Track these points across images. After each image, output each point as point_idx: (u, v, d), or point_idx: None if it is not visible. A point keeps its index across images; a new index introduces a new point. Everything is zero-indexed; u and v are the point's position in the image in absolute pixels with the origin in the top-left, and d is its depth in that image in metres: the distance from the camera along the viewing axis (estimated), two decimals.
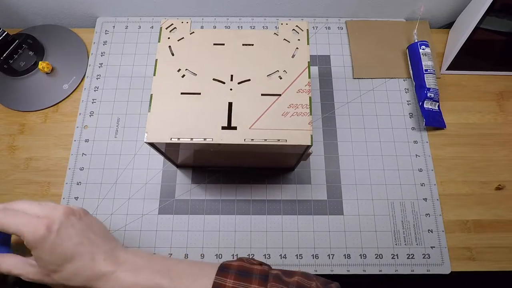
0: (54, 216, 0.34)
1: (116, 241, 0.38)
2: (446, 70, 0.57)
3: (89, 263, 0.33)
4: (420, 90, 0.54)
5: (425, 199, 0.50)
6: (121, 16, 0.62)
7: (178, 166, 0.51)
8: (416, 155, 0.53)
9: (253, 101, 0.37)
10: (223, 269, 0.34)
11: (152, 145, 0.37)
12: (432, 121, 0.53)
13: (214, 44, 0.39)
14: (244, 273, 0.34)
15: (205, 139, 0.35)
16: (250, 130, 0.35)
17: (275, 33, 0.40)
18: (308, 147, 0.37)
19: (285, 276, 0.34)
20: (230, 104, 0.37)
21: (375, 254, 0.47)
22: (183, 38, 0.40)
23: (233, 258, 0.47)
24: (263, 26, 0.61)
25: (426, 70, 0.54)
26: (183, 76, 0.38)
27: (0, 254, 0.36)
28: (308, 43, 0.40)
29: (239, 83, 0.38)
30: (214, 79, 0.38)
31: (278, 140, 0.35)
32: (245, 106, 0.36)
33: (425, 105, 0.54)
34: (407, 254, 0.47)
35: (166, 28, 0.40)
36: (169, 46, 0.39)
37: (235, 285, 0.33)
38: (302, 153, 0.41)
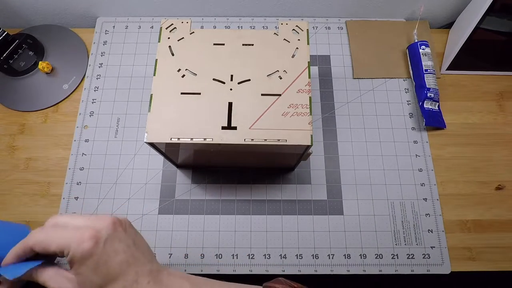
0: (100, 227, 0.29)
1: (155, 258, 0.34)
2: (446, 70, 0.57)
3: (132, 285, 0.29)
4: (420, 90, 0.54)
5: (425, 199, 0.50)
6: (121, 16, 0.62)
7: (178, 166, 0.51)
8: (416, 155, 0.53)
9: (253, 101, 0.37)
10: None
11: (152, 145, 0.37)
12: (432, 121, 0.53)
13: (214, 44, 0.39)
14: None
15: (205, 139, 0.35)
16: (250, 130, 0.35)
17: (275, 33, 0.40)
18: (308, 147, 0.37)
19: None
20: (230, 104, 0.37)
21: (375, 254, 0.47)
22: (183, 38, 0.40)
23: (233, 258, 0.47)
24: (263, 26, 0.61)
25: (426, 70, 0.54)
26: (183, 76, 0.38)
27: (40, 265, 0.30)
28: (308, 43, 0.40)
29: (239, 83, 0.38)
30: (214, 79, 0.38)
31: (278, 140, 0.35)
32: (245, 106, 0.36)
33: (425, 105, 0.54)
34: (407, 254, 0.47)
35: (166, 28, 0.40)
36: (169, 46, 0.39)
37: None
38: (302, 153, 0.41)
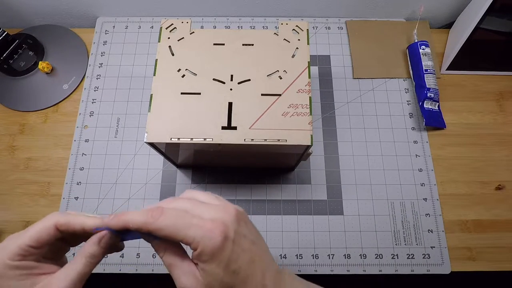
0: (228, 221, 0.25)
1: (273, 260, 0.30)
2: (446, 70, 0.57)
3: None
4: (420, 90, 0.54)
5: (425, 199, 0.50)
6: (121, 16, 0.62)
7: (178, 166, 0.51)
8: (416, 155, 0.53)
9: (253, 101, 0.37)
10: None
11: (152, 145, 0.37)
12: (432, 121, 0.53)
13: (214, 44, 0.39)
14: None
15: (205, 139, 0.35)
16: (250, 130, 0.35)
17: (275, 33, 0.40)
18: (308, 147, 0.37)
19: None
20: (230, 104, 0.37)
21: (375, 254, 0.47)
22: (183, 38, 0.40)
23: None
24: (263, 26, 0.61)
25: (426, 70, 0.54)
26: (183, 76, 0.38)
27: (176, 255, 0.26)
28: (308, 43, 0.40)
29: (239, 83, 0.38)
30: (214, 79, 0.38)
31: (278, 140, 0.35)
32: (245, 106, 0.36)
33: (425, 105, 0.54)
34: (407, 254, 0.47)
35: (166, 28, 0.40)
36: (169, 46, 0.39)
37: None
38: (302, 153, 0.41)
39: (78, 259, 0.26)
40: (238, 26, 0.61)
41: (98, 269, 0.47)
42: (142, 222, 0.24)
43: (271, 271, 0.27)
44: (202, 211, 0.25)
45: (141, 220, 0.24)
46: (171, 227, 0.24)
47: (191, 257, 0.26)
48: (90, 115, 0.55)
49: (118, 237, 0.26)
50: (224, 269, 0.24)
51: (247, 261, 0.25)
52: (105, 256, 0.35)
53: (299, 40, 0.40)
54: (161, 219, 0.24)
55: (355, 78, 0.57)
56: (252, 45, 0.39)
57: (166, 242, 0.26)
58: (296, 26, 0.41)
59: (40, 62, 0.55)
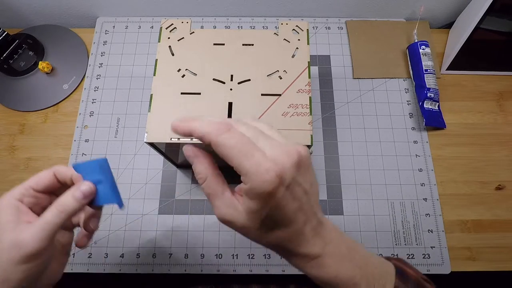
0: (287, 166, 0.23)
1: (318, 204, 0.29)
2: (446, 70, 0.57)
3: (299, 237, 0.26)
4: (420, 90, 0.54)
5: (425, 199, 0.50)
6: (121, 16, 0.62)
7: (178, 166, 0.51)
8: (416, 155, 0.53)
9: (253, 101, 0.37)
10: (402, 275, 0.31)
11: (152, 145, 0.37)
12: (432, 121, 0.53)
13: (214, 44, 0.39)
14: None
15: None
16: None
17: (275, 33, 0.40)
18: (308, 147, 0.37)
19: None
20: (230, 104, 0.37)
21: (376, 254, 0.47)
22: (183, 38, 0.40)
23: (233, 258, 0.47)
24: (263, 26, 0.61)
25: (426, 70, 0.54)
26: (183, 76, 0.38)
27: (218, 185, 0.27)
28: (308, 43, 0.40)
29: (239, 83, 0.38)
30: (214, 79, 0.38)
31: None
32: (245, 106, 0.36)
33: (425, 105, 0.54)
34: (407, 254, 0.47)
35: (166, 28, 0.40)
36: (169, 46, 0.39)
37: None
38: None
39: (50, 209, 0.28)
40: (238, 26, 0.61)
41: (98, 269, 0.47)
42: (207, 132, 0.23)
43: (315, 221, 0.27)
44: (265, 146, 0.24)
45: (207, 129, 0.23)
46: (232, 149, 0.23)
47: (237, 187, 0.26)
48: (90, 115, 0.55)
49: (92, 195, 0.29)
50: (269, 211, 0.24)
51: (294, 210, 0.25)
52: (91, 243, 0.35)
53: (299, 40, 0.40)
54: (226, 136, 0.23)
55: (355, 78, 0.57)
56: (252, 45, 0.39)
57: (209, 169, 0.26)
58: (296, 26, 0.41)
59: (40, 62, 0.55)
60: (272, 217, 0.25)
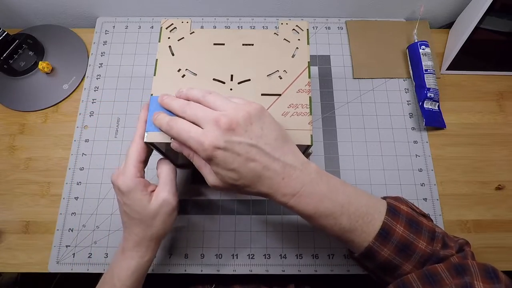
0: (217, 134, 0.30)
1: (291, 145, 0.33)
2: (446, 70, 0.57)
3: (265, 182, 0.31)
4: (420, 90, 0.54)
5: (425, 199, 0.50)
6: (121, 16, 0.62)
7: (178, 166, 0.51)
8: (416, 155, 0.53)
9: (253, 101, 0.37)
10: (394, 212, 0.34)
11: (152, 145, 0.37)
12: (432, 121, 0.53)
13: (214, 44, 0.39)
14: (413, 224, 0.34)
15: None
16: None
17: (275, 33, 0.40)
18: (308, 147, 0.37)
19: (450, 240, 0.36)
20: None
21: None
22: (183, 38, 0.40)
23: (233, 258, 0.47)
24: (263, 26, 0.61)
25: (426, 70, 0.54)
26: (183, 76, 0.38)
27: (201, 159, 0.33)
28: (308, 43, 0.40)
29: (239, 83, 0.38)
30: (214, 79, 0.38)
31: None
32: None
33: (425, 105, 0.54)
34: None
35: (166, 28, 0.40)
36: (169, 46, 0.39)
37: (404, 234, 0.33)
38: (302, 153, 0.41)
39: (164, 170, 0.38)
40: (238, 26, 0.61)
41: (98, 269, 0.47)
42: (165, 129, 0.33)
43: (275, 166, 0.31)
44: (201, 119, 0.31)
45: (164, 127, 0.33)
46: (179, 137, 0.32)
47: None
48: (90, 115, 0.55)
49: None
50: (223, 169, 0.30)
51: (243, 161, 0.30)
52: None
53: (299, 40, 0.40)
54: (173, 131, 0.32)
55: (355, 78, 0.57)
56: (252, 45, 0.39)
57: (192, 151, 0.33)
58: (296, 26, 0.40)
59: (40, 62, 0.55)
60: (230, 175, 0.31)
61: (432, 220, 0.38)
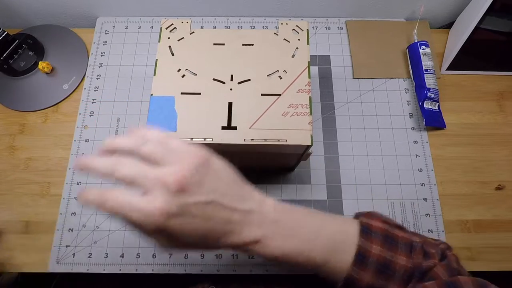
0: (168, 199, 0.24)
1: (249, 192, 0.30)
2: (446, 70, 0.57)
3: (227, 235, 0.28)
4: (420, 90, 0.54)
5: (425, 199, 0.50)
6: (121, 16, 0.62)
7: None
8: (416, 155, 0.53)
9: (253, 101, 0.37)
10: (367, 231, 0.31)
11: None
12: (432, 121, 0.53)
13: (214, 44, 0.39)
14: (388, 240, 0.31)
15: (205, 139, 0.35)
16: (250, 130, 0.35)
17: (275, 33, 0.40)
18: (308, 147, 0.37)
19: (430, 246, 0.32)
20: (230, 104, 0.37)
21: None
22: (183, 38, 0.40)
23: (233, 258, 0.47)
24: (263, 26, 0.61)
25: (426, 70, 0.54)
26: (183, 76, 0.38)
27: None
28: (308, 43, 0.40)
29: (239, 83, 0.38)
30: (214, 79, 0.38)
31: (278, 140, 0.35)
32: (245, 106, 0.36)
33: (425, 105, 0.54)
34: None
35: (166, 28, 0.40)
36: (169, 46, 0.39)
37: (382, 254, 0.30)
38: (302, 153, 0.41)
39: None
40: (238, 26, 0.61)
41: (98, 269, 0.47)
42: (97, 207, 0.26)
43: (235, 216, 0.28)
44: (141, 182, 0.25)
45: (97, 204, 0.25)
46: (118, 213, 0.25)
47: None
48: (90, 115, 0.55)
49: None
50: (174, 240, 0.26)
51: (202, 222, 0.26)
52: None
53: (299, 40, 0.40)
54: (107, 207, 0.25)
55: (355, 78, 0.57)
56: (252, 45, 0.39)
57: None
58: (296, 26, 0.41)
59: (40, 62, 0.55)
60: (187, 239, 0.26)
61: (405, 228, 0.35)
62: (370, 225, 0.32)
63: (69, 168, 0.51)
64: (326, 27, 0.61)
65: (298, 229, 0.30)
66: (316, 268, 0.31)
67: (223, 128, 0.36)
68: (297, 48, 0.39)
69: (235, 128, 0.36)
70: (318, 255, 0.30)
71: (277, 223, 0.29)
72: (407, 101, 0.56)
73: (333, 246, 0.30)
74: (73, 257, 0.47)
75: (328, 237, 0.31)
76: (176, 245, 0.27)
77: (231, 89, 0.37)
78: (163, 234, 0.25)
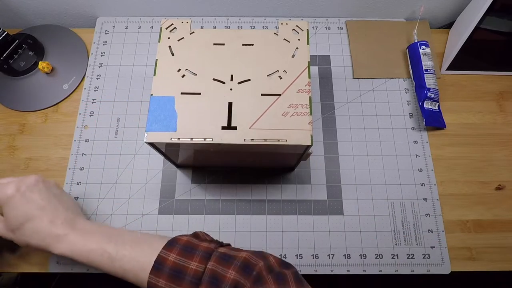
0: (23, 180, 0.39)
1: (80, 214, 0.42)
2: (446, 70, 0.57)
3: (47, 225, 0.37)
4: (420, 90, 0.54)
5: (425, 199, 0.50)
6: (121, 16, 0.62)
7: (178, 166, 0.51)
8: (416, 155, 0.53)
9: (253, 101, 0.37)
10: (171, 243, 0.36)
11: (152, 145, 0.37)
12: (432, 121, 0.53)
13: (214, 44, 0.39)
14: (188, 249, 0.35)
15: (205, 139, 0.35)
16: (250, 130, 0.35)
17: (275, 33, 0.40)
18: (308, 147, 0.37)
19: (233, 252, 0.35)
20: (230, 104, 0.37)
21: (375, 254, 0.47)
22: (183, 38, 0.40)
23: None
24: (263, 26, 0.61)
25: (426, 70, 0.54)
26: (183, 76, 0.38)
27: None
28: (308, 43, 0.40)
29: (239, 83, 0.38)
30: (214, 79, 0.38)
31: (278, 140, 0.35)
32: (245, 106, 0.36)
33: (425, 105, 0.54)
34: (407, 254, 0.47)
35: (166, 28, 0.40)
36: (169, 46, 0.39)
37: (176, 260, 0.34)
38: (302, 153, 0.41)
39: None
40: (238, 26, 0.61)
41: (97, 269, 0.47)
42: None
43: (63, 216, 0.39)
44: (10, 179, 0.39)
45: None
46: None
47: None
48: (90, 115, 0.55)
49: None
50: (13, 210, 0.37)
51: (36, 207, 0.38)
52: None
53: (299, 40, 0.40)
54: None
55: (355, 78, 0.57)
56: (252, 45, 0.39)
57: None
58: (296, 26, 0.40)
59: (40, 62, 0.55)
60: (19, 214, 0.37)
61: (222, 245, 0.38)
62: (178, 239, 0.37)
63: (69, 168, 0.51)
64: (326, 27, 0.61)
65: (103, 230, 0.39)
66: (112, 264, 0.37)
67: (223, 128, 0.36)
68: (297, 48, 0.39)
69: (235, 128, 0.36)
70: (112, 246, 0.37)
71: (84, 227, 0.39)
72: (407, 101, 0.56)
73: (130, 248, 0.36)
74: None
75: (128, 240, 0.37)
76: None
77: (231, 89, 0.37)
78: (12, 202, 0.38)
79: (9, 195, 0.37)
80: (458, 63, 0.57)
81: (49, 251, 0.38)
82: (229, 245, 0.39)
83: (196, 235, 0.39)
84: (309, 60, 0.39)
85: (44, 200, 0.39)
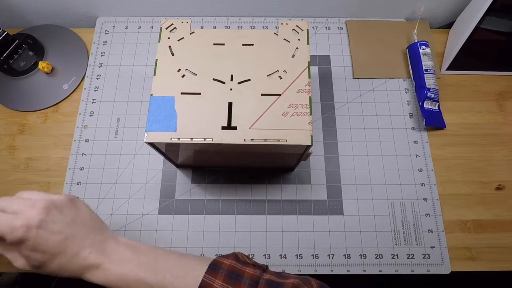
0: (32, 215, 0.32)
1: (104, 229, 0.37)
2: (446, 70, 0.57)
3: (74, 257, 0.33)
4: (420, 90, 0.54)
5: (425, 199, 0.50)
6: (121, 16, 0.62)
7: (178, 166, 0.51)
8: (416, 155, 0.53)
9: (253, 101, 0.37)
10: (214, 268, 0.33)
11: (152, 145, 0.37)
12: (432, 121, 0.53)
13: (214, 44, 0.39)
14: (234, 275, 0.33)
15: (205, 139, 0.35)
16: (250, 130, 0.35)
17: (275, 33, 0.40)
18: (308, 147, 0.37)
19: (280, 279, 0.33)
20: (230, 104, 0.37)
21: (375, 254, 0.47)
22: (183, 38, 0.40)
23: None
24: (263, 26, 0.61)
25: (426, 70, 0.54)
26: (183, 76, 0.38)
27: (3, 245, 0.33)
28: (308, 43, 0.40)
29: (239, 83, 0.38)
30: (214, 79, 0.38)
31: (278, 140, 0.35)
32: (245, 106, 0.36)
33: (425, 105, 0.54)
34: (407, 254, 0.47)
35: (166, 28, 0.40)
36: (169, 46, 0.39)
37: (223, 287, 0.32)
38: (302, 153, 0.41)
39: None
40: (238, 26, 0.61)
41: None
42: None
43: (89, 242, 0.34)
44: (14, 207, 0.32)
45: None
46: None
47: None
48: (90, 115, 0.55)
49: None
50: (32, 251, 0.32)
51: (57, 241, 0.32)
52: None
53: (299, 40, 0.40)
54: None
55: (355, 78, 0.57)
56: (252, 45, 0.39)
57: None
58: (296, 26, 0.40)
59: (40, 62, 0.55)
60: (40, 253, 0.32)
61: (265, 269, 0.35)
62: (219, 262, 0.34)
63: (69, 168, 0.51)
64: (326, 27, 0.61)
65: (138, 256, 0.35)
66: None
67: (223, 128, 0.36)
68: (297, 48, 0.39)
69: (235, 128, 0.36)
70: (151, 275, 0.33)
71: (120, 252, 0.35)
72: (407, 101, 0.56)
73: (171, 277, 0.33)
74: None
75: (167, 268, 0.34)
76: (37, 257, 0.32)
77: (231, 89, 0.37)
78: (25, 244, 0.31)
79: (19, 238, 0.31)
80: (458, 63, 0.57)
81: (85, 279, 0.34)
82: (267, 267, 0.36)
83: (236, 257, 0.36)
84: (309, 60, 0.39)
85: (63, 231, 0.33)
